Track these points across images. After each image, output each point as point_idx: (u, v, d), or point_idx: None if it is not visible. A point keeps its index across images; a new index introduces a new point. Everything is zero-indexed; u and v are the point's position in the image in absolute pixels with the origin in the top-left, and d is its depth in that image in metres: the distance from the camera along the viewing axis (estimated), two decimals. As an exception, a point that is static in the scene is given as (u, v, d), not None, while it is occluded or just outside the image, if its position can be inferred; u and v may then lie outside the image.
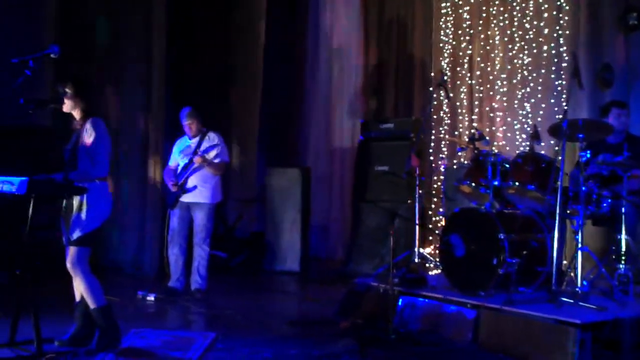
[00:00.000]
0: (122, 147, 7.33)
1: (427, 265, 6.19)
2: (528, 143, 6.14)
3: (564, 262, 4.95)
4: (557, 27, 6.51)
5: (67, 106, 4.14)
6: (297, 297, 6.59)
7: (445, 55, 7.54)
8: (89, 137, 4.03)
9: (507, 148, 6.72)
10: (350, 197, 8.07)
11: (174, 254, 6.06)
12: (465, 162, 6.75)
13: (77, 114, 4.16)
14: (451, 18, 7.52)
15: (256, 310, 5.74)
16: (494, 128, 7.01)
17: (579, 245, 4.44)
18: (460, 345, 4.34)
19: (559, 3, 6.52)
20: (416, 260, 5.84)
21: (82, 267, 4.03)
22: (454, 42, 7.49)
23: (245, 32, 9.03)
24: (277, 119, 9.18)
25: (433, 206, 7.37)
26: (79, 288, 4.11)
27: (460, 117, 7.38)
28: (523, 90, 6.74)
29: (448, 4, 7.52)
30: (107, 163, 4.10)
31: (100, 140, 4.06)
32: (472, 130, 6.28)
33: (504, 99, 6.93)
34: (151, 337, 4.45)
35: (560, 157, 4.59)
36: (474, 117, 7.26)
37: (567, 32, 6.43)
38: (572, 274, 4.57)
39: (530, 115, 6.60)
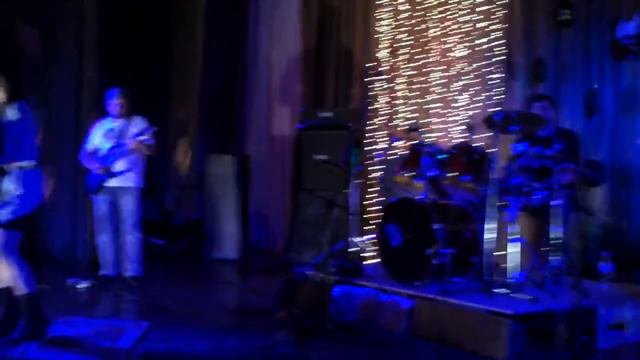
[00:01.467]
0: (53, 130, 7.00)
1: (364, 254, 6.24)
2: (463, 134, 6.26)
3: (498, 253, 5.07)
4: (492, 21, 6.65)
5: None
6: (235, 287, 6.51)
7: (384, 45, 7.60)
8: (13, 121, 3.88)
9: (443, 139, 6.85)
10: (290, 186, 8.05)
11: (103, 242, 5.90)
12: (402, 152, 6.82)
13: None
14: (389, 9, 7.58)
15: (193, 299, 5.66)
16: (430, 119, 7.12)
17: (511, 237, 4.56)
18: (395, 334, 4.39)
19: (493, -3, 6.66)
20: (353, 249, 5.87)
21: (11, 252, 3.91)
22: (392, 33, 7.55)
23: (185, 16, 8.81)
24: (217, 105, 9.01)
25: (371, 196, 7.44)
26: (6, 273, 3.96)
27: (397, 108, 7.47)
28: (459, 83, 6.87)
29: (387, -6, 7.57)
30: (34, 148, 3.97)
31: (25, 124, 3.93)
32: (409, 121, 6.35)
33: (440, 90, 7.05)
34: (80, 326, 4.32)
35: (493, 149, 4.68)
36: (410, 107, 7.35)
37: (502, 25, 6.58)
38: (504, 265, 4.69)
39: (465, 108, 6.74)
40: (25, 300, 3.94)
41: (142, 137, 5.68)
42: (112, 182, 5.81)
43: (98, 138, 5.93)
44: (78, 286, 5.69)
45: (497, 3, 6.64)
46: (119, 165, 5.79)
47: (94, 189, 5.87)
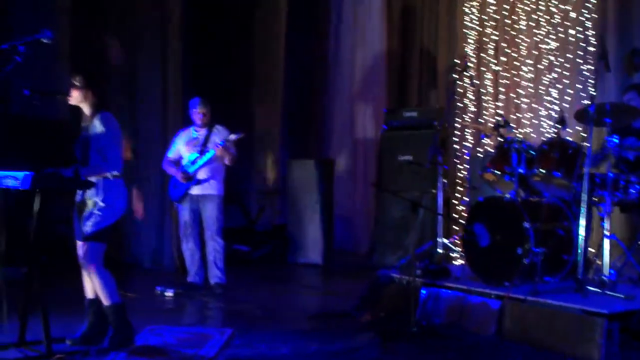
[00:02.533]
0: (140, 142, 7.22)
1: (451, 255, 6.08)
2: (554, 129, 5.98)
3: (591, 250, 4.80)
4: (585, 11, 6.33)
5: (76, 99, 4.02)
6: (319, 291, 6.48)
7: (470, 41, 7.41)
8: (99, 132, 3.95)
9: (533, 135, 6.59)
10: (374, 188, 7.96)
11: (189, 249, 5.96)
12: (490, 150, 6.61)
13: (86, 108, 4.05)
14: (476, 3, 7.38)
15: (277, 304, 5.66)
16: (519, 115, 6.87)
17: (606, 233, 4.29)
18: (484, 337, 4.24)
19: (586, -15, 6.34)
20: (440, 250, 5.72)
21: (96, 263, 3.95)
22: (479, 28, 7.36)
23: (267, 20, 8.87)
24: (300, 110, 9.06)
25: (458, 195, 7.25)
26: (93, 284, 4.03)
27: (485, 104, 7.25)
28: (549, 76, 6.59)
29: (473, -11, 7.38)
30: (119, 158, 4.01)
31: (110, 135, 3.97)
32: (497, 117, 6.14)
33: (530, 85, 6.79)
34: (166, 334, 4.34)
35: (587, 143, 4.44)
36: (499, 104, 7.12)
37: (595, 15, 6.26)
38: (599, 263, 4.44)
39: (556, 101, 6.45)
40: (112, 310, 3.97)
41: (226, 145, 5.73)
42: (195, 190, 5.86)
43: (181, 147, 6.01)
44: (166, 294, 5.73)
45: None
46: (202, 174, 5.85)
47: (178, 197, 5.95)
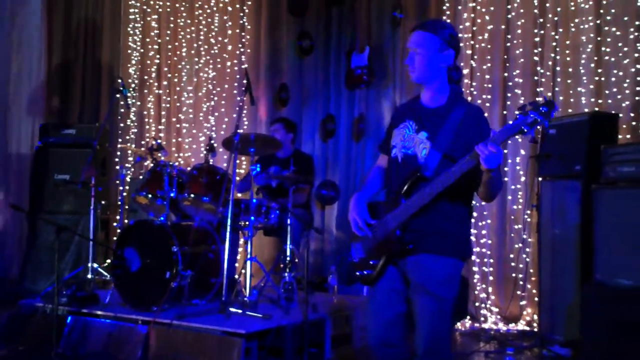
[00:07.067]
0: None
1: (107, 281, 5.88)
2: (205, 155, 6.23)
3: (237, 272, 5.08)
4: (240, 45, 6.75)
5: None
6: None
7: (134, 62, 7.34)
8: None
9: (193, 159, 6.77)
10: (27, 208, 7.35)
11: None
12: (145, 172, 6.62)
13: None
14: (139, 25, 7.36)
15: None
16: (180, 139, 7.01)
17: (249, 256, 4.59)
18: (130, 364, 4.15)
19: (242, 22, 6.77)
20: (89, 276, 5.49)
21: None
22: (142, 50, 7.34)
23: None
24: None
25: (118, 218, 7.08)
26: None
27: (148, 127, 7.24)
28: (208, 104, 6.86)
29: (136, 10, 7.34)
30: None
31: None
32: (152, 141, 6.18)
33: (190, 110, 6.98)
34: None
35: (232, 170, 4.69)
36: (161, 127, 7.17)
37: (249, 50, 6.71)
38: (242, 284, 4.70)
39: (214, 128, 6.74)
40: None
41: None
42: None
43: None
44: None
45: (246, 28, 6.77)
46: None
47: None
